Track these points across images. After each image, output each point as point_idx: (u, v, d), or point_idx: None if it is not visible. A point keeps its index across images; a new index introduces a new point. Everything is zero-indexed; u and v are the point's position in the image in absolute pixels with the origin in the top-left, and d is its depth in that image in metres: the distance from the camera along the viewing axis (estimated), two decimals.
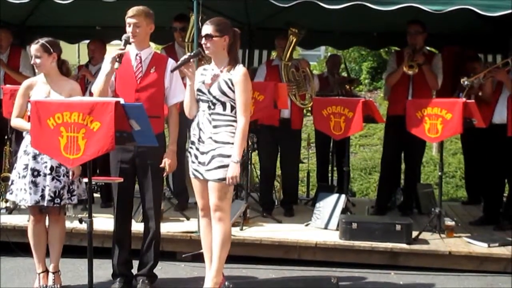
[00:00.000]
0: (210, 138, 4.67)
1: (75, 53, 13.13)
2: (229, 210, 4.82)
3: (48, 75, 5.06)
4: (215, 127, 4.67)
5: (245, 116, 4.66)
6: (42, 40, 5.03)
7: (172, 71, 4.93)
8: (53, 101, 4.57)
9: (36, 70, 5.22)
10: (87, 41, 8.21)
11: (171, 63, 5.08)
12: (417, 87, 7.04)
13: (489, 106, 6.72)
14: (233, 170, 4.61)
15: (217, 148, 4.65)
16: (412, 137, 6.50)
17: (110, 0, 5.82)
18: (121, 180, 5.02)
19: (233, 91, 4.66)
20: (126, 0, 5.40)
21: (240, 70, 4.70)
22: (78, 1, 5.86)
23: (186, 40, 6.78)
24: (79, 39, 9.92)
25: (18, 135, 6.04)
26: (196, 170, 4.79)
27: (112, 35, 9.01)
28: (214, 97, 4.68)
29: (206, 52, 4.75)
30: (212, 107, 4.69)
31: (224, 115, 4.69)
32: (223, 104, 4.68)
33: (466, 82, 6.44)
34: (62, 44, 9.13)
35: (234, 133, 4.67)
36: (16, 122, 5.09)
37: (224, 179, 4.62)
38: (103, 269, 5.53)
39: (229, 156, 4.62)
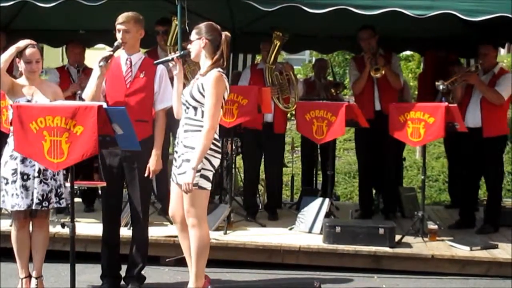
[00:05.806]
0: (182, 142, 4.65)
1: (58, 57, 13.08)
2: (204, 216, 4.70)
3: (35, 78, 5.01)
4: (185, 131, 4.64)
5: (209, 122, 4.51)
6: (35, 44, 4.97)
7: (154, 64, 4.97)
8: (35, 105, 4.56)
9: (26, 75, 4.96)
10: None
11: (160, 68, 5.11)
12: (382, 90, 7.13)
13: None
14: (188, 177, 4.47)
15: (185, 152, 4.59)
16: (382, 139, 6.54)
17: (93, 4, 5.80)
18: (104, 184, 5.02)
19: (204, 96, 4.58)
20: (110, 4, 5.38)
21: (211, 74, 4.59)
22: (61, 5, 5.84)
23: (168, 44, 6.77)
24: (62, 43, 9.86)
25: None
26: (173, 173, 4.79)
27: (95, 39, 8.99)
28: (186, 101, 4.66)
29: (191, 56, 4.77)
30: (186, 111, 4.68)
31: (194, 119, 4.61)
32: (195, 109, 4.62)
33: (441, 86, 6.50)
34: (46, 47, 9.05)
35: None
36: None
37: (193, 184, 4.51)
38: (86, 273, 5.51)
39: None
